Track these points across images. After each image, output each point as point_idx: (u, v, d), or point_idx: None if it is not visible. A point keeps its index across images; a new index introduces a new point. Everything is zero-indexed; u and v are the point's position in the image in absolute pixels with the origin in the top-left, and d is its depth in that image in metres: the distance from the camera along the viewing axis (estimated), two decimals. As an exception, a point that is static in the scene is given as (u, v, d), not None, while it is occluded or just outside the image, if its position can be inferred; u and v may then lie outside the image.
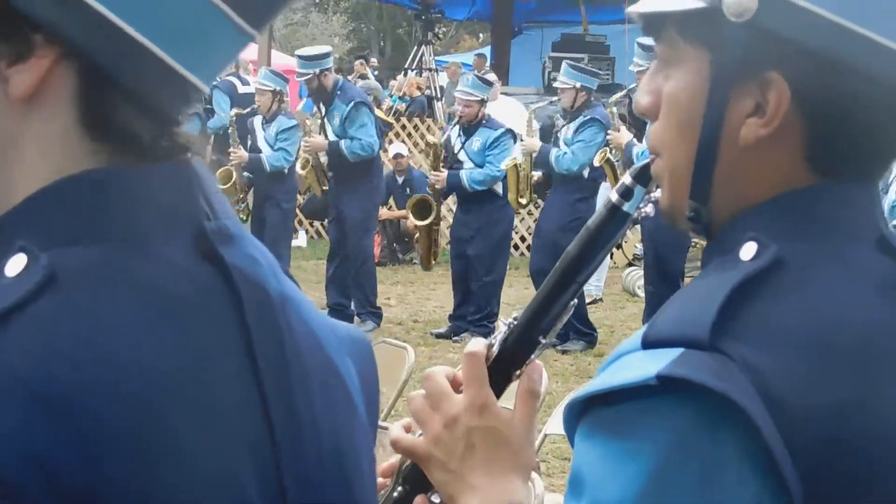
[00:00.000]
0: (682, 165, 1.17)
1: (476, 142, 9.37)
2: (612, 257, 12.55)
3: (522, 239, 13.92)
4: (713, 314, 1.03)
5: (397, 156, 13.31)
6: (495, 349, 1.33)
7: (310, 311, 1.08)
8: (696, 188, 1.16)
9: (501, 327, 1.35)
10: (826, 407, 1.02)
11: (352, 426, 1.09)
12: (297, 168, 9.82)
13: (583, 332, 9.18)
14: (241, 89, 12.77)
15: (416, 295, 11.70)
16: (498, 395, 1.31)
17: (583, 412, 1.08)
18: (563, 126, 9.33)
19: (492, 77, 11.84)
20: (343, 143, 9.60)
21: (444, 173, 9.39)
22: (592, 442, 1.05)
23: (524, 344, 1.33)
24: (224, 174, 9.91)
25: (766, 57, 1.10)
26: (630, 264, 12.99)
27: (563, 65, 9.46)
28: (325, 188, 10.28)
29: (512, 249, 13.47)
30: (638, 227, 10.89)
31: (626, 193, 1.27)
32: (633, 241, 13.07)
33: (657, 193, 1.25)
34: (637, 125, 9.80)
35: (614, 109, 9.26)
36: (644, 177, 1.26)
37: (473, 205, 9.44)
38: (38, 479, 0.83)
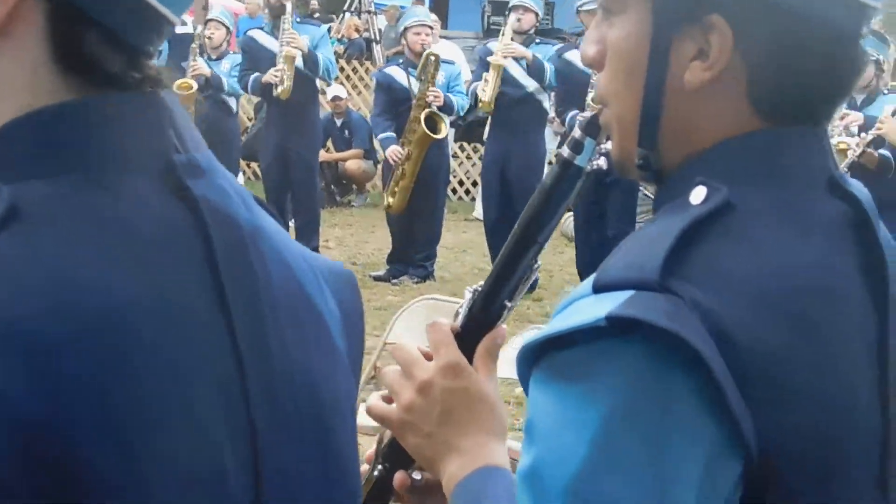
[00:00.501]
0: (629, 113, 1.16)
1: (439, 76, 9.19)
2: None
3: (461, 183, 13.92)
4: (662, 255, 1.03)
5: (335, 98, 13.21)
6: (461, 318, 1.32)
7: (284, 242, 1.07)
8: (644, 135, 1.16)
9: (466, 295, 1.34)
10: (774, 349, 1.02)
11: (329, 362, 1.08)
12: (279, 58, 9.44)
13: (522, 276, 9.16)
14: (179, 29, 12.57)
15: (355, 238, 11.67)
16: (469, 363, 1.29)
17: (536, 359, 1.06)
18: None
19: (432, 17, 11.71)
20: (319, 55, 9.49)
21: (441, 92, 9.04)
22: (546, 388, 1.04)
23: (491, 310, 1.32)
24: (184, 85, 9.76)
25: (707, 1, 1.10)
26: (567, 209, 13.02)
27: None
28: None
29: (450, 193, 13.49)
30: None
31: (577, 147, 1.26)
32: (570, 185, 13.10)
33: (608, 145, 1.24)
34: None
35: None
36: (593, 129, 1.26)
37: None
38: None
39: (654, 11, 1.13)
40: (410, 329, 5.55)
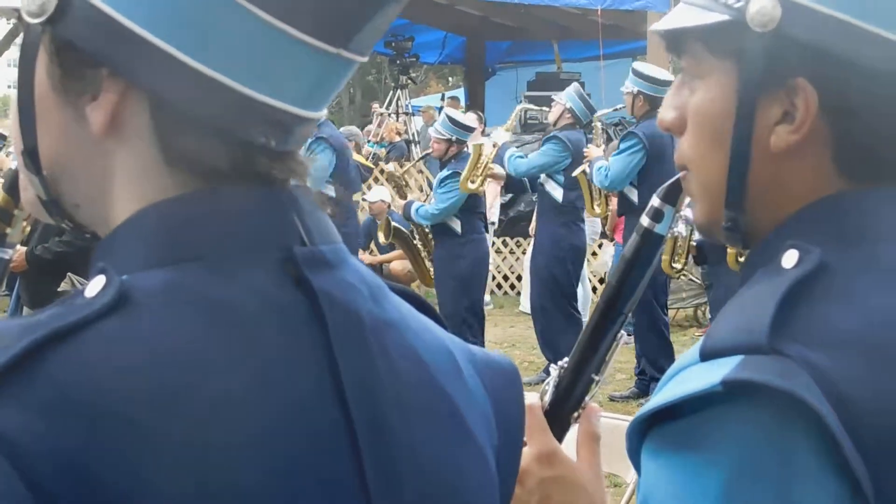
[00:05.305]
0: (715, 176, 1.17)
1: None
2: (594, 289, 12.57)
3: (505, 278, 13.93)
4: (769, 319, 1.02)
5: (376, 201, 13.26)
6: (549, 395, 1.32)
7: (421, 335, 1.05)
8: (732, 197, 1.16)
9: (552, 372, 1.34)
10: (888, 404, 1.00)
11: (462, 454, 1.05)
12: None
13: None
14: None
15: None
16: (559, 441, 1.29)
17: (646, 431, 1.06)
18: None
19: (470, 117, 11.70)
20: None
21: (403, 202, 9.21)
22: (661, 460, 1.04)
23: (578, 385, 1.32)
24: None
25: (792, 64, 1.11)
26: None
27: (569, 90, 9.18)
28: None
29: (495, 288, 13.49)
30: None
31: (657, 215, 1.27)
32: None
33: (686, 211, 1.26)
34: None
35: (598, 124, 8.93)
36: (673, 196, 1.27)
37: (436, 241, 9.04)
38: (77, 490, 0.82)
39: (739, 75, 1.14)
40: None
